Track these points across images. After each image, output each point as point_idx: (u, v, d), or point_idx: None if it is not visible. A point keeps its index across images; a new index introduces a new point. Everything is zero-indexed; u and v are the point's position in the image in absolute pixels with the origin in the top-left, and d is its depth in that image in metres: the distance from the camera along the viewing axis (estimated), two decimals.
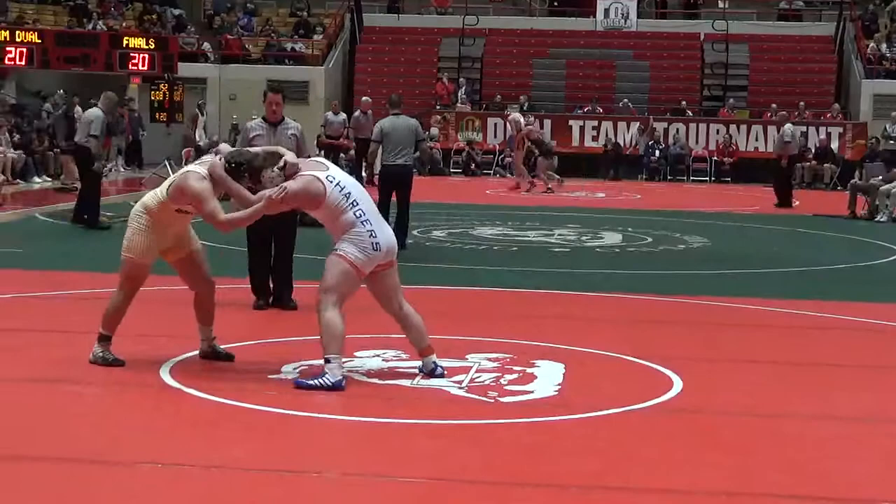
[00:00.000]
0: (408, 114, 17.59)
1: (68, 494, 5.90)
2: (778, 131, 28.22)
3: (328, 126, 31.39)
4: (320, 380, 8.00)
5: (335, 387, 7.94)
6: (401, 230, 15.74)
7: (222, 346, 8.92)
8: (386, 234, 8.27)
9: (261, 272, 11.42)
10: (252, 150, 8.70)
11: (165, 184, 8.51)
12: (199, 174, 8.28)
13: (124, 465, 6.34)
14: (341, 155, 29.71)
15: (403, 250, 16.19)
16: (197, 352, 8.91)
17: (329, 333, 8.01)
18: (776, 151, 27.02)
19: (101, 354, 8.55)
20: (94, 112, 18.38)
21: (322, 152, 29.11)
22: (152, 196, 8.52)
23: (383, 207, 15.76)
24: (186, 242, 8.70)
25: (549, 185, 28.72)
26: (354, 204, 8.15)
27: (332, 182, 8.16)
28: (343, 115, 31.64)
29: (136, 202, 8.77)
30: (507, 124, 32.06)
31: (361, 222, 8.13)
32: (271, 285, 11.44)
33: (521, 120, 29.98)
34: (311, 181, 8.16)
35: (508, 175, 34.36)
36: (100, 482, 6.10)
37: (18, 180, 26.68)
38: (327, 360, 8.02)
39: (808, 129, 34.76)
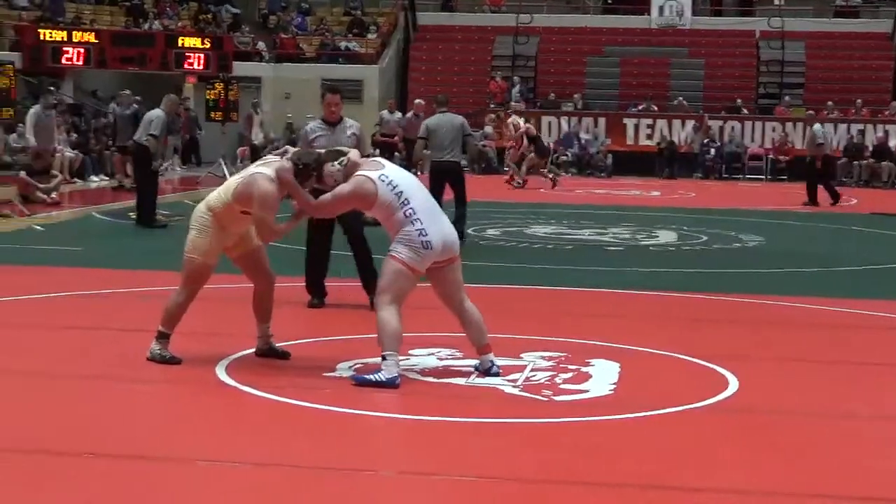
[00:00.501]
0: (461, 112, 17.74)
1: (125, 490, 5.94)
2: (805, 132, 27.94)
3: (383, 125, 31.49)
4: (376, 376, 8.04)
5: (390, 383, 7.97)
6: (458, 225, 15.96)
7: (279, 344, 8.95)
8: (441, 230, 8.26)
9: (317, 271, 11.45)
10: (317, 151, 8.76)
11: (229, 185, 8.52)
12: (268, 177, 8.32)
13: (180, 462, 6.38)
14: (395, 154, 29.77)
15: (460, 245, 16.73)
16: (253, 349, 8.96)
17: (385, 331, 8.06)
18: (809, 153, 26.69)
19: (158, 352, 8.61)
20: (156, 112, 18.54)
21: (377, 151, 29.34)
22: (216, 197, 8.54)
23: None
24: (249, 240, 8.74)
25: (555, 180, 29.52)
26: (405, 203, 8.17)
27: (384, 181, 8.19)
28: (399, 114, 31.72)
29: (195, 201, 8.84)
30: (509, 126, 32.06)
31: (411, 221, 8.15)
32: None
33: (521, 121, 30.33)
34: (362, 182, 8.20)
35: (563, 174, 34.35)
36: (156, 479, 6.13)
37: (76, 179, 26.93)
38: (384, 358, 8.06)
39: (864, 126, 34.53)
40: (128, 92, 26.70)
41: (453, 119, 16.64)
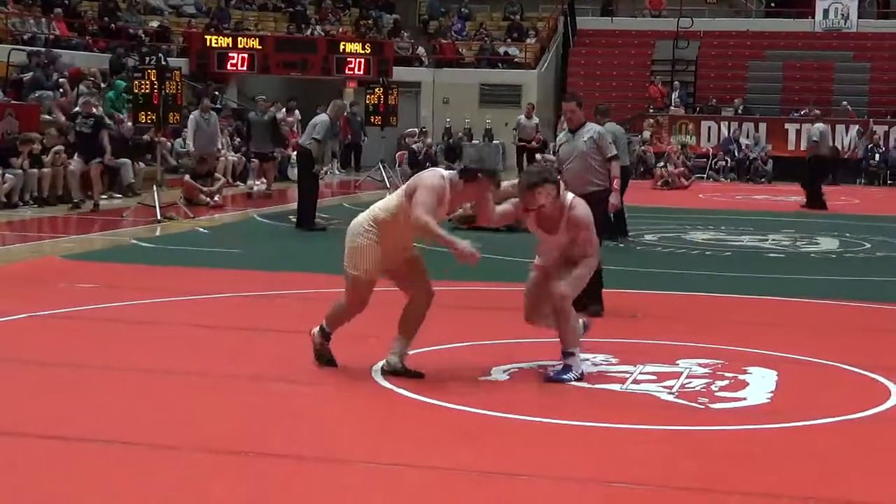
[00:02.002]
0: (619, 118, 18.15)
1: (284, 489, 6.04)
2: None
3: (521, 129, 31.48)
4: (572, 373, 8.47)
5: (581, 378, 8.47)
6: (620, 224, 17.59)
7: (437, 347, 8.98)
8: None
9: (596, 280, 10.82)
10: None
11: (398, 193, 8.29)
12: (439, 173, 8.32)
13: (340, 463, 6.46)
14: (537, 156, 29.65)
15: (626, 238, 17.62)
16: (410, 352, 8.94)
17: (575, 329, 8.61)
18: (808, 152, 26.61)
19: (318, 343, 8.68)
20: (321, 117, 18.76)
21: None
22: (384, 208, 8.29)
23: None
24: (410, 248, 8.47)
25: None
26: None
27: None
28: (536, 119, 31.69)
29: (353, 205, 8.90)
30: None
31: None
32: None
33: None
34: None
35: (722, 179, 34.11)
36: (317, 479, 6.23)
37: (238, 182, 27.44)
38: (573, 354, 8.52)
39: None
40: (264, 97, 26.92)
41: (615, 129, 17.24)
